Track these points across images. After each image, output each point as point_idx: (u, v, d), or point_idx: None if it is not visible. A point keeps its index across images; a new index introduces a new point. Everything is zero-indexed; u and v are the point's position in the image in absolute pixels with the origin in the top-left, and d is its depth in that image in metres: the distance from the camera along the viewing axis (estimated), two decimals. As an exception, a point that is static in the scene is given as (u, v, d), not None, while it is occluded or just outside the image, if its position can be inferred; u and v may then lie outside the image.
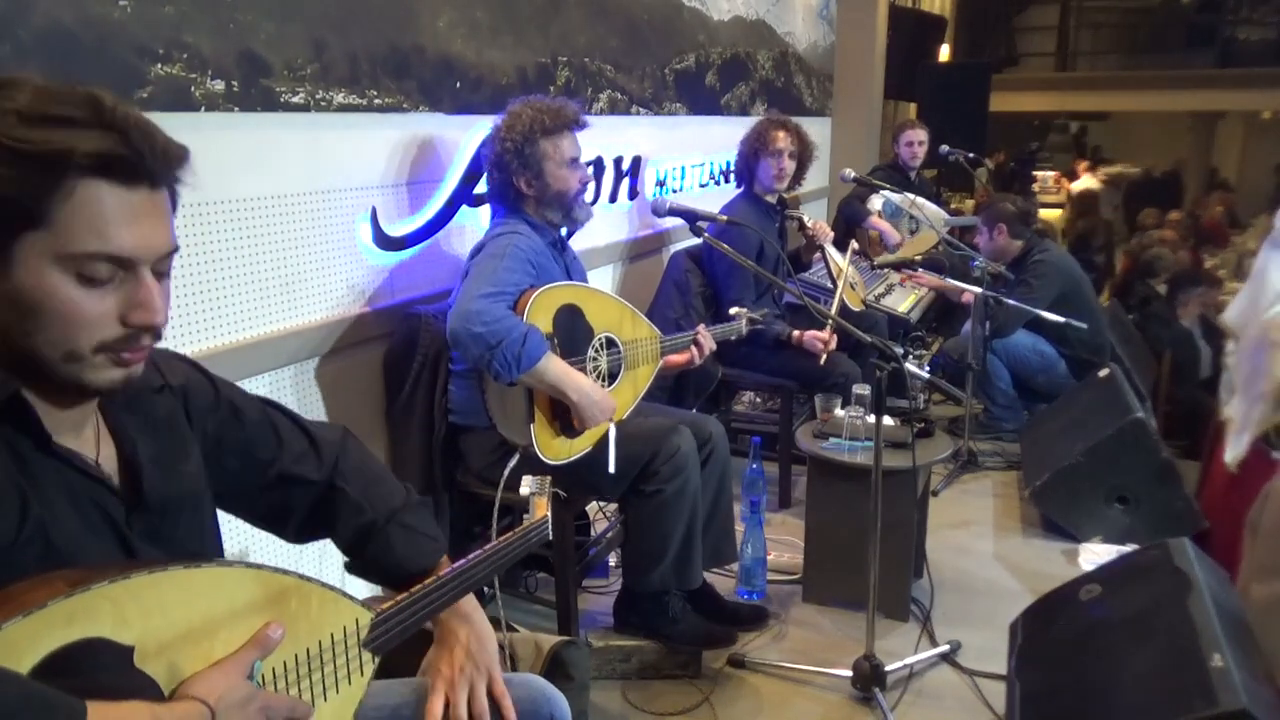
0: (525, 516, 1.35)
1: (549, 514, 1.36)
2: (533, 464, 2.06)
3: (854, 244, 3.68)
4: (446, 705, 1.20)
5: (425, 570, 1.23)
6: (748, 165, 3.39)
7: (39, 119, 0.80)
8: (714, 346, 2.47)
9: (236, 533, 1.80)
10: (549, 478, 1.42)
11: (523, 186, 2.22)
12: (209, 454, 1.11)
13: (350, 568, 1.28)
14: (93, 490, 0.92)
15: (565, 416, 2.10)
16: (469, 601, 1.27)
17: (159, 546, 0.98)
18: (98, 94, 0.83)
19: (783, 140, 3.31)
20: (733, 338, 2.61)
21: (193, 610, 0.86)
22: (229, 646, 0.89)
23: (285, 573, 0.97)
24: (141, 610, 0.82)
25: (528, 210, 2.26)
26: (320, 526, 1.25)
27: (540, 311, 2.05)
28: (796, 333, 3.13)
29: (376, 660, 1.08)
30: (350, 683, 1.04)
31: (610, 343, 2.24)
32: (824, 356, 3.05)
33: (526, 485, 1.39)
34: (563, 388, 2.03)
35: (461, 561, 1.21)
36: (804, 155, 3.41)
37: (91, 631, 0.78)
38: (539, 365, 1.98)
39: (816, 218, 3.61)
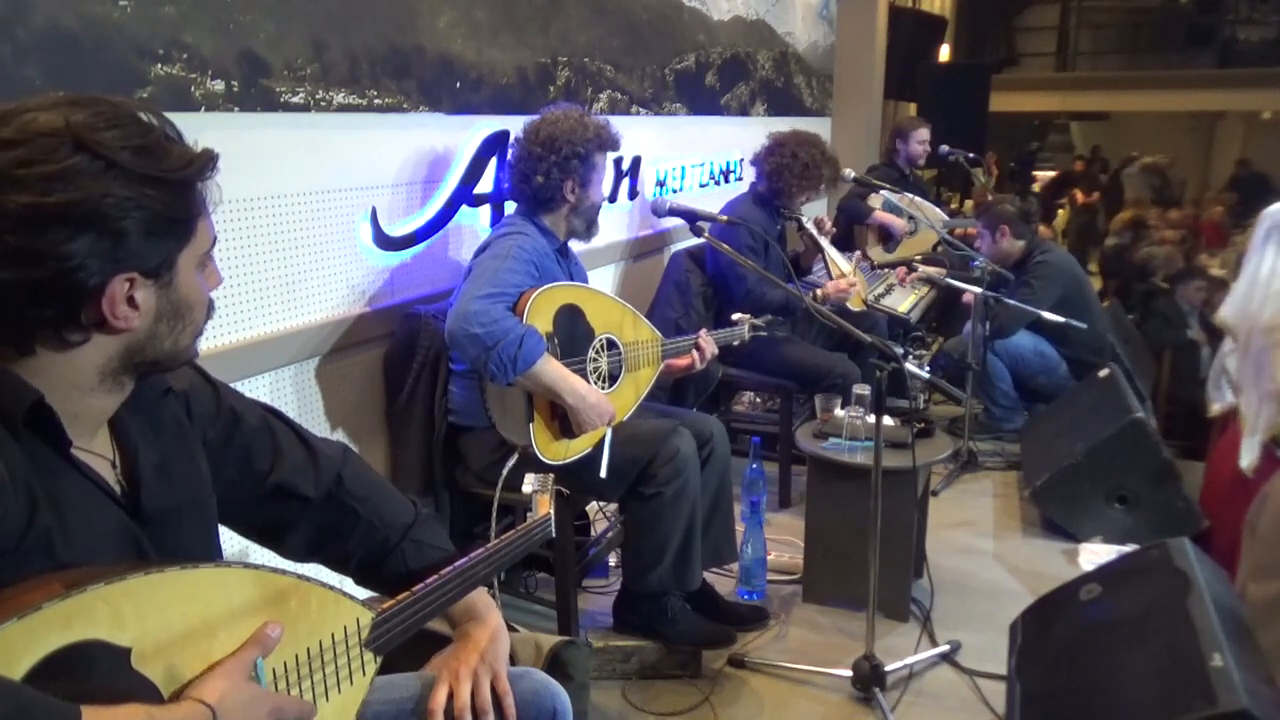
0: (528, 514, 1.35)
1: (552, 512, 1.35)
2: (532, 464, 2.06)
3: (859, 254, 3.68)
4: (451, 698, 1.20)
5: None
6: (788, 188, 3.32)
7: (157, 147, 0.88)
8: (716, 351, 2.47)
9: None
10: (552, 475, 1.42)
11: (567, 192, 2.24)
12: (209, 460, 1.11)
13: (356, 580, 1.28)
14: (103, 500, 0.94)
15: (565, 417, 2.10)
16: (484, 599, 1.27)
17: (168, 554, 0.98)
18: (142, 105, 0.92)
19: (826, 178, 3.40)
20: (735, 343, 2.60)
21: (191, 611, 0.86)
22: (228, 647, 0.89)
23: (284, 573, 0.97)
24: (138, 612, 0.82)
25: (549, 214, 2.27)
26: (329, 544, 1.24)
27: (540, 311, 2.05)
28: (821, 291, 3.16)
29: (378, 660, 1.07)
30: (352, 683, 1.04)
31: (611, 344, 2.24)
32: (854, 295, 3.15)
33: (529, 483, 1.39)
34: (559, 391, 2.03)
35: (463, 560, 1.20)
36: (832, 184, 3.56)
37: (88, 634, 0.77)
38: (535, 368, 1.97)
39: (817, 216, 3.60)
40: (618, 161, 3.35)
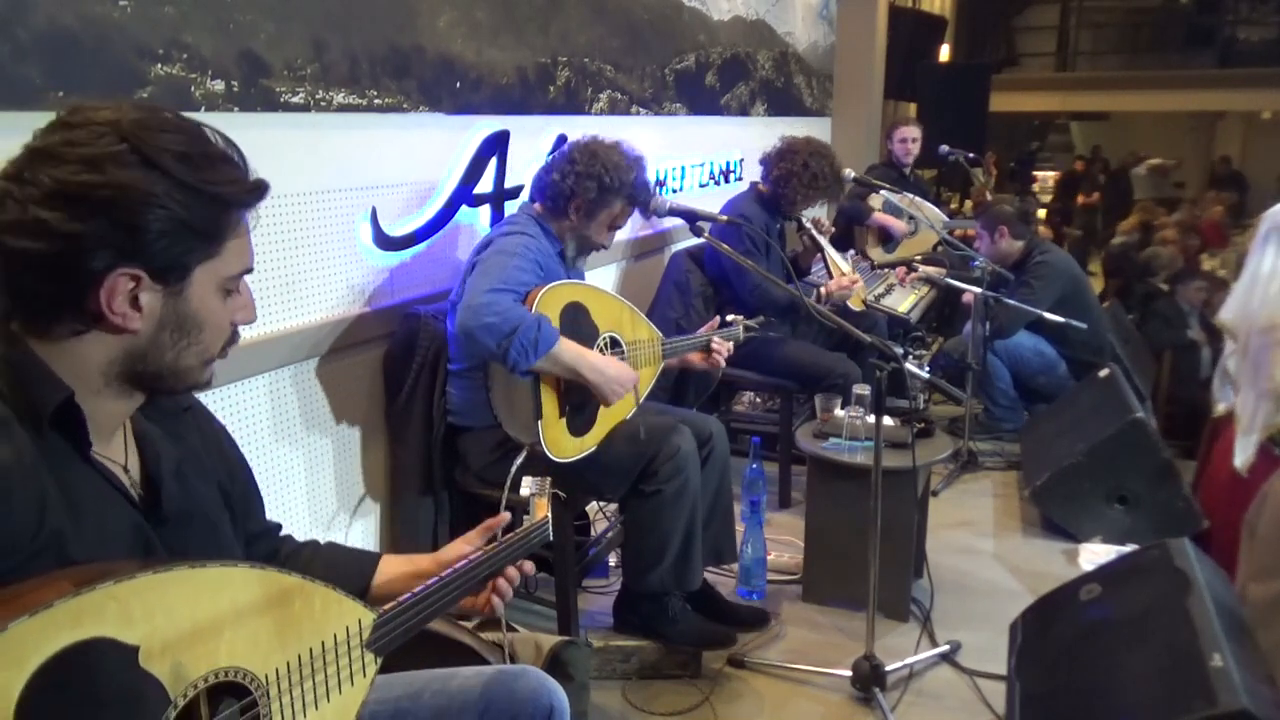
0: (525, 518, 1.35)
1: (549, 515, 1.36)
2: (539, 462, 2.07)
3: (854, 253, 3.69)
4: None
5: (370, 561, 1.26)
6: (794, 195, 3.32)
7: (204, 159, 0.90)
8: (730, 350, 2.48)
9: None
10: (549, 479, 1.42)
11: (572, 209, 2.25)
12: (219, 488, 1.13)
13: None
14: (118, 502, 0.94)
15: (573, 414, 2.10)
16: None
17: (178, 556, 0.98)
18: (209, 125, 0.94)
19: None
20: (730, 342, 2.61)
21: (198, 610, 0.86)
22: (234, 647, 0.89)
23: (288, 573, 0.97)
24: (147, 610, 0.82)
25: (554, 220, 2.28)
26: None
27: (547, 308, 2.06)
28: (824, 289, 3.19)
29: (379, 661, 1.07)
30: (353, 683, 1.03)
31: (614, 342, 2.24)
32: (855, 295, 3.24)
33: (527, 486, 1.39)
34: (579, 368, 2.04)
35: (463, 562, 1.21)
36: (833, 195, 3.59)
37: (97, 631, 0.77)
38: (556, 348, 1.99)
39: (815, 217, 3.60)
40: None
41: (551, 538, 1.37)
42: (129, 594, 0.80)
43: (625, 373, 2.13)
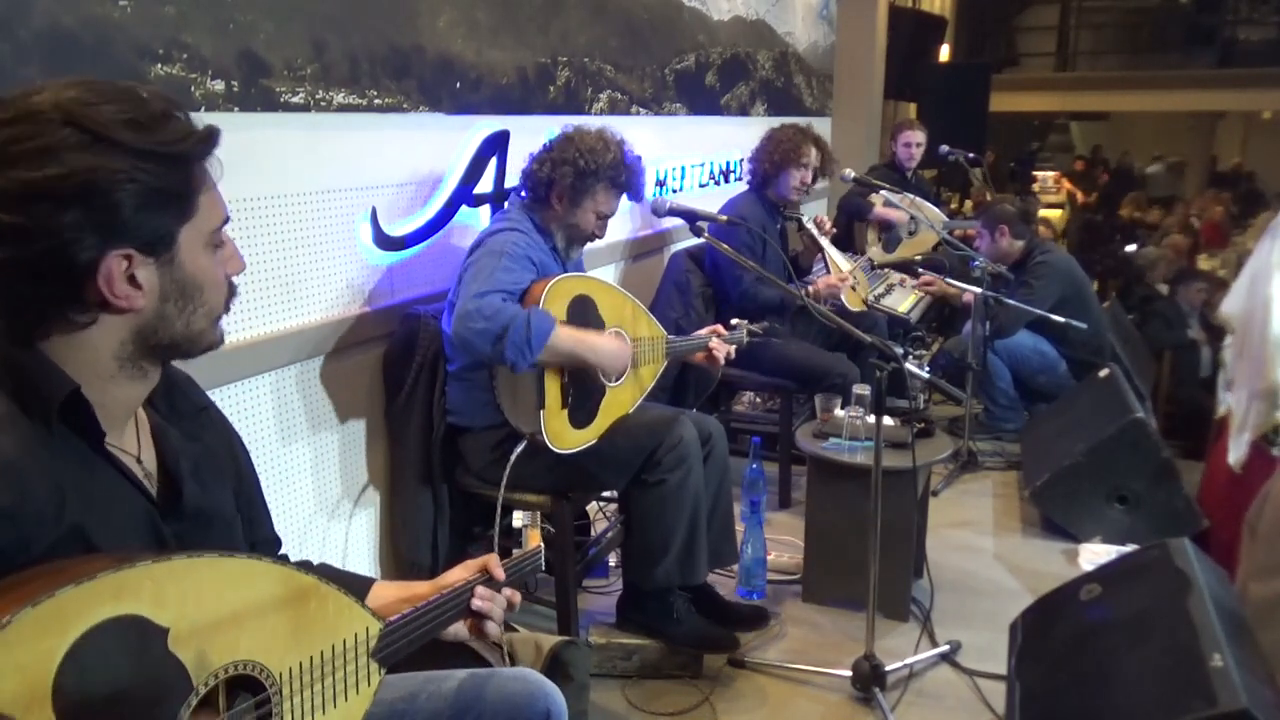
0: (516, 552, 1.39)
1: (541, 545, 1.42)
2: (539, 453, 2.06)
3: (868, 253, 3.70)
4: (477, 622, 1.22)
5: (362, 585, 1.24)
6: (773, 169, 3.39)
7: (153, 121, 0.87)
8: (731, 354, 2.48)
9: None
10: (539, 513, 1.48)
11: (554, 198, 2.24)
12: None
13: None
14: (133, 494, 0.94)
15: (575, 407, 2.11)
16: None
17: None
18: (145, 85, 0.92)
19: (812, 156, 3.37)
20: (733, 346, 2.61)
21: (223, 600, 0.87)
22: (252, 641, 0.89)
23: (305, 573, 0.98)
24: (179, 593, 0.83)
25: (542, 212, 2.28)
26: None
27: (555, 300, 2.07)
28: (812, 287, 3.20)
29: (383, 673, 1.07)
30: (358, 692, 1.03)
31: (620, 337, 2.24)
32: (843, 293, 3.26)
33: (519, 519, 1.45)
34: (580, 354, 2.06)
35: (461, 585, 1.22)
36: (825, 170, 3.49)
37: (134, 608, 0.79)
38: (551, 340, 1.98)
39: (817, 215, 3.61)
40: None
41: (544, 567, 1.42)
42: (164, 575, 0.82)
43: (623, 349, 2.15)
